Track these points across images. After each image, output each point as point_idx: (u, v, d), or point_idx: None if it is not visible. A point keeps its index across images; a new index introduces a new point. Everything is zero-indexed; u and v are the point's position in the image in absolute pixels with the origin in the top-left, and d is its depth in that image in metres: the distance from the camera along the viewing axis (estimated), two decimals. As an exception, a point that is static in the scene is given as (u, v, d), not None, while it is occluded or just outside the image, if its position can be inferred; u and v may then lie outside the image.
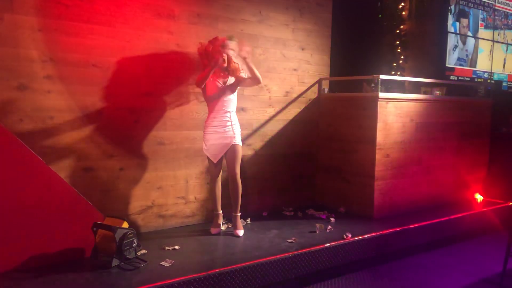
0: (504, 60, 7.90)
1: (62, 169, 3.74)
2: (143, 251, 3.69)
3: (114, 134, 4.05)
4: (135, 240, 3.53)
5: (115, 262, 3.41)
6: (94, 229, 3.52)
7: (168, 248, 3.82)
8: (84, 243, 3.56)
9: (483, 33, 7.53)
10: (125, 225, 3.61)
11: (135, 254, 3.54)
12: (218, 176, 4.25)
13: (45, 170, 3.40)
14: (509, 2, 7.96)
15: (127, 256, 3.46)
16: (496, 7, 7.72)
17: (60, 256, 3.45)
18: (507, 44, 8.05)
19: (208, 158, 4.20)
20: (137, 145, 4.19)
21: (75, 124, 3.84)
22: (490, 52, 7.65)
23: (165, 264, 3.46)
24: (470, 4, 7.30)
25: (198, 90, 4.49)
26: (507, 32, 8.01)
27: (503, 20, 7.78)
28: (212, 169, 4.23)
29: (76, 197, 3.55)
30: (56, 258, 3.44)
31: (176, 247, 3.85)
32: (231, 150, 4.13)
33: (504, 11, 7.83)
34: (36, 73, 3.64)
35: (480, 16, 7.47)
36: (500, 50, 7.87)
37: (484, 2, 7.57)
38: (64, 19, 3.74)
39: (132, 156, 4.16)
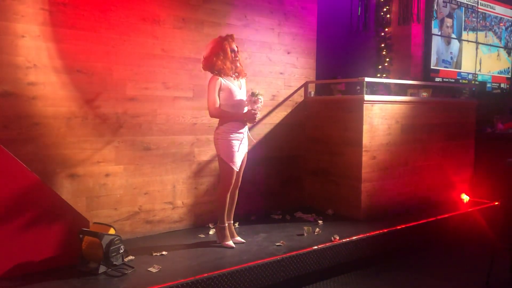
0: (480, 60, 8.04)
1: (48, 176, 3.71)
2: (131, 257, 3.67)
3: (99, 140, 4.03)
4: (122, 246, 3.51)
5: (102, 268, 3.39)
6: (81, 236, 3.50)
7: (156, 253, 3.80)
8: (71, 250, 3.53)
9: (463, 34, 7.66)
10: (112, 231, 3.59)
11: (122, 260, 3.52)
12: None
13: (30, 177, 3.37)
14: (490, 4, 8.08)
15: (114, 263, 3.44)
16: (479, 9, 7.83)
17: (46, 263, 3.42)
18: (490, 45, 8.16)
19: (231, 168, 3.90)
20: (123, 150, 4.17)
21: (60, 130, 3.82)
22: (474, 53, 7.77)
23: (153, 270, 3.45)
24: (454, 4, 7.39)
25: (184, 94, 4.50)
26: (485, 33, 8.15)
27: (481, 21, 7.90)
28: (234, 178, 3.96)
29: (62, 204, 3.53)
30: (42, 265, 3.40)
31: (164, 252, 3.84)
32: (244, 158, 4.06)
33: (482, 13, 7.95)
34: (20, 80, 3.62)
35: (463, 19, 7.58)
36: (480, 51, 8.01)
37: (468, 4, 7.68)
38: (48, 25, 3.72)
39: (118, 162, 4.15)
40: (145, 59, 4.25)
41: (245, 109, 3.96)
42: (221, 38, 3.94)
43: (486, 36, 8.03)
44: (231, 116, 3.90)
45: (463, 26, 7.58)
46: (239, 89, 3.95)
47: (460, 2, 7.52)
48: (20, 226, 3.31)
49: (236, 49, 3.95)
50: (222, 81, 3.86)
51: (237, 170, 3.96)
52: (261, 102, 3.91)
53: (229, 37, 3.94)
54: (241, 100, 3.94)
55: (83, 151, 3.95)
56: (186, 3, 4.49)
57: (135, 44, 4.18)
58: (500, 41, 8.40)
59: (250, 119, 3.92)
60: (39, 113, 3.71)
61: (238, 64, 3.98)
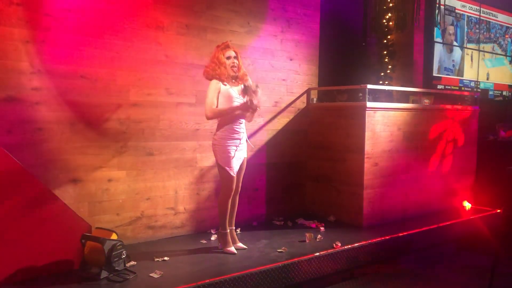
0: (487, 74, 8.03)
1: (50, 181, 3.72)
2: (133, 263, 3.67)
3: (102, 145, 4.04)
4: (124, 252, 3.51)
5: (104, 274, 3.39)
6: (83, 241, 3.50)
7: (158, 259, 3.81)
8: (73, 255, 3.54)
9: (466, 46, 7.66)
10: (114, 236, 3.60)
11: (124, 265, 3.52)
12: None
13: (33, 182, 3.37)
14: (493, 12, 8.08)
15: (116, 268, 3.44)
16: (481, 17, 7.84)
17: (49, 268, 3.42)
18: (493, 53, 8.16)
19: (229, 173, 3.91)
20: (126, 156, 4.18)
21: (64, 135, 3.83)
22: (471, 67, 7.76)
23: (155, 275, 3.45)
24: (457, 15, 7.41)
25: (187, 100, 4.51)
26: (489, 45, 8.13)
27: (485, 33, 7.89)
28: (234, 184, 3.98)
29: (64, 209, 3.53)
30: (44, 270, 3.41)
31: (166, 258, 3.84)
32: (243, 163, 4.07)
33: (486, 25, 7.93)
34: (24, 85, 3.63)
35: (466, 30, 7.59)
36: (483, 64, 7.99)
37: (470, 12, 7.68)
38: (52, 31, 3.74)
39: (120, 167, 4.15)
40: (149, 65, 4.27)
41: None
42: (217, 46, 4.01)
43: (493, 49, 8.00)
44: (227, 111, 3.85)
45: (465, 37, 7.58)
46: (238, 94, 3.97)
47: (463, 12, 7.52)
48: (22, 230, 3.31)
49: (233, 55, 3.96)
50: (222, 85, 3.89)
51: (234, 175, 3.96)
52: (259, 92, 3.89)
53: (223, 45, 3.99)
54: (237, 102, 3.95)
55: (86, 156, 3.96)
56: (189, 10, 4.51)
57: (138, 50, 4.20)
58: (506, 53, 8.37)
59: (247, 108, 3.87)
60: (42, 118, 3.72)
61: (236, 70, 3.97)
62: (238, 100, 3.94)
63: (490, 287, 4.01)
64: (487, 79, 7.96)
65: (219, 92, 3.88)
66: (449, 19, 7.28)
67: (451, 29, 7.35)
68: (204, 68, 4.01)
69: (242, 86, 3.91)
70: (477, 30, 7.73)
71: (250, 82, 3.96)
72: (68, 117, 3.85)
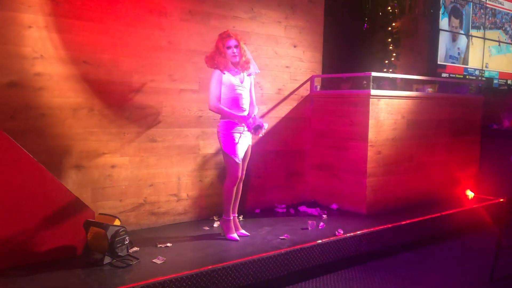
0: (486, 64, 7.96)
1: (53, 167, 3.72)
2: (135, 249, 3.68)
3: (105, 131, 4.04)
4: (127, 238, 3.52)
5: (107, 259, 3.40)
6: (86, 226, 3.51)
7: (160, 245, 3.82)
8: (76, 240, 3.55)
9: (470, 32, 7.58)
10: (117, 222, 3.61)
11: (127, 251, 3.53)
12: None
13: (36, 167, 3.38)
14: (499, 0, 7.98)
15: (119, 254, 3.45)
16: (487, 5, 7.75)
17: (52, 254, 3.44)
18: (499, 41, 8.08)
19: (234, 160, 3.92)
20: (129, 142, 4.18)
21: (66, 121, 3.83)
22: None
23: (157, 261, 3.46)
24: (463, 2, 7.33)
25: (190, 87, 4.50)
26: (495, 31, 8.03)
27: (490, 19, 7.79)
28: (239, 171, 3.98)
29: (67, 195, 3.54)
30: (47, 256, 3.42)
31: (168, 244, 3.85)
32: (248, 150, 4.08)
33: (492, 10, 7.83)
34: (27, 70, 3.62)
35: (472, 15, 7.50)
36: (487, 52, 7.91)
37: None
38: (55, 16, 3.71)
39: (123, 154, 4.15)
40: (152, 51, 4.25)
41: (246, 110, 4.01)
42: (219, 35, 3.99)
43: (498, 38, 7.89)
44: (229, 116, 3.91)
45: (470, 24, 7.50)
46: (240, 83, 3.97)
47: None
48: (25, 216, 3.33)
49: (233, 44, 3.92)
50: (223, 74, 3.90)
51: (240, 162, 3.96)
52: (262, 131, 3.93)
53: (224, 34, 3.97)
54: (240, 95, 3.95)
55: (89, 142, 3.96)
56: (193, -5, 4.48)
57: (141, 36, 4.17)
58: (512, 40, 8.26)
59: (249, 127, 3.93)
60: (45, 104, 3.72)
61: (237, 59, 3.94)
62: (240, 88, 3.94)
63: (492, 276, 4.02)
64: (486, 67, 7.88)
65: (221, 82, 3.90)
66: (456, 9, 7.19)
67: (455, 22, 7.27)
68: (205, 55, 4.01)
69: (254, 126, 3.89)
70: (482, 15, 7.63)
71: (255, 111, 4.02)
72: (71, 103, 3.84)
